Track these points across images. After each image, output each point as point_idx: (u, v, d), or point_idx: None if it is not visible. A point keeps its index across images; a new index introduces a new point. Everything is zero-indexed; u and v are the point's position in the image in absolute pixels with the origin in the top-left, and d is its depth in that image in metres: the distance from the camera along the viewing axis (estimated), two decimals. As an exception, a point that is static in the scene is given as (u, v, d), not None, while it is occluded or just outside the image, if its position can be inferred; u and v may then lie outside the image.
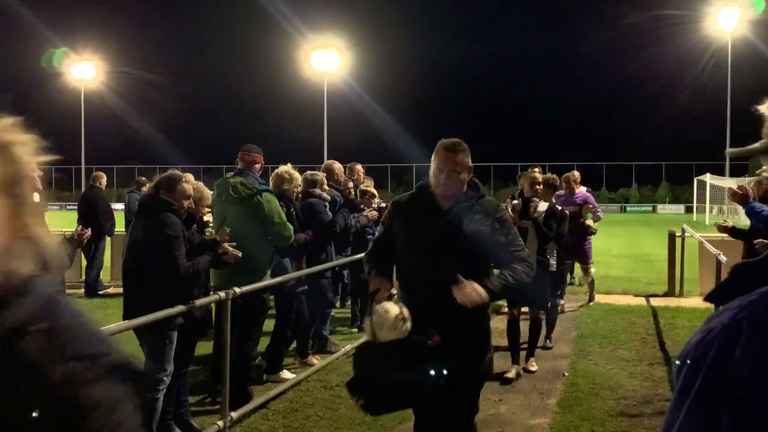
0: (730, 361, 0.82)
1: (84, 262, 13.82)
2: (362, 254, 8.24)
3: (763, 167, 1.09)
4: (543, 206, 7.05)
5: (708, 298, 0.96)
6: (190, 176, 5.80)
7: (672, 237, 12.44)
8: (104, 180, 13.11)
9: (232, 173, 6.50)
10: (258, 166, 6.48)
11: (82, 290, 12.57)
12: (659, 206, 63.64)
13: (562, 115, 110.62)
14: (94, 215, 11.97)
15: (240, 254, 5.48)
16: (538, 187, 7.22)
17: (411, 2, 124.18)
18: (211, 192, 6.13)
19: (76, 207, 14.73)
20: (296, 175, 7.03)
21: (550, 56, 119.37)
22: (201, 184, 5.77)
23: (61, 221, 34.73)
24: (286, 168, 7.00)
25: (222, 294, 5.41)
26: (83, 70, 67.30)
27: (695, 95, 73.62)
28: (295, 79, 70.34)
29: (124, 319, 4.88)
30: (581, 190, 10.53)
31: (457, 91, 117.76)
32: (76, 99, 67.63)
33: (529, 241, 6.51)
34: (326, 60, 60.41)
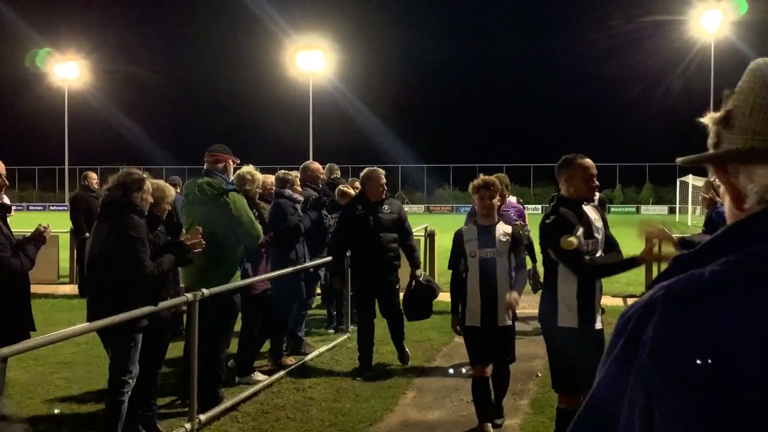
0: (644, 331, 0.92)
1: (60, 262, 13.74)
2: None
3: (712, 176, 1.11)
4: (505, 229, 5.37)
5: (650, 288, 1.00)
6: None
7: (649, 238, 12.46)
8: (94, 179, 12.40)
9: (201, 174, 6.43)
10: (221, 165, 6.33)
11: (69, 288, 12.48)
12: (643, 207, 63.99)
13: (546, 116, 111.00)
14: (90, 216, 11.65)
15: (203, 243, 5.42)
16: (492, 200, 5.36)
17: (396, 2, 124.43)
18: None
19: (59, 208, 14.58)
20: (258, 175, 6.96)
21: (535, 58, 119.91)
22: (161, 182, 5.68)
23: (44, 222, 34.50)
24: (248, 168, 6.93)
25: (189, 296, 5.36)
26: (67, 70, 66.95)
27: (679, 97, 74.11)
28: (280, 80, 70.30)
29: (88, 321, 4.83)
30: (511, 200, 8.02)
31: (442, 91, 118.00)
32: (60, 99, 67.24)
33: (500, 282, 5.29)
34: (311, 60, 60.40)
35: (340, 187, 8.96)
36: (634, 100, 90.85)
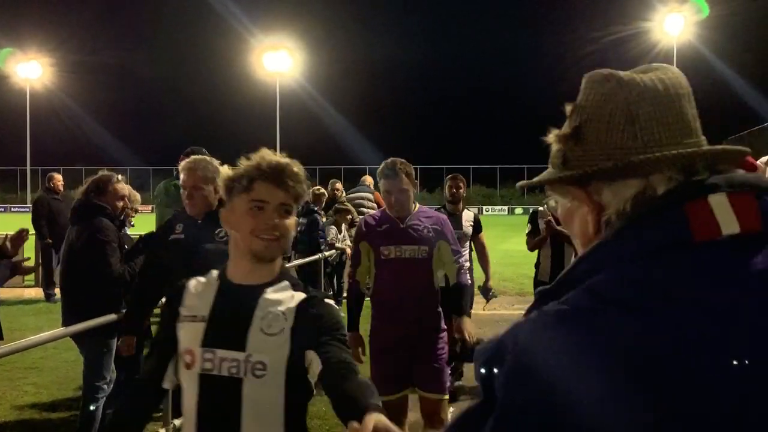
0: (493, 375, 0.92)
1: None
2: (314, 256, 8.25)
3: (548, 197, 1.11)
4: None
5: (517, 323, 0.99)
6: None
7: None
8: (59, 181, 11.52)
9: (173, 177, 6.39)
10: None
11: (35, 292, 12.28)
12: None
13: (513, 118, 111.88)
14: (52, 220, 11.03)
15: None
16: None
17: (363, 3, 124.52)
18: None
19: (21, 209, 14.21)
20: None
21: (500, 60, 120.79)
22: (126, 185, 5.60)
23: (5, 225, 33.86)
24: (222, 169, 6.87)
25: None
26: (29, 70, 65.93)
27: (642, 99, 75.31)
28: (247, 80, 70.00)
29: (63, 325, 4.76)
30: (425, 209, 4.58)
31: (409, 92, 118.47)
32: (22, 98, 66.18)
33: None
34: (278, 61, 60.21)
35: (314, 189, 8.89)
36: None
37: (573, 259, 5.60)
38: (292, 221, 2.20)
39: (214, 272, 2.28)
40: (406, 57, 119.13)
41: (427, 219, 4.42)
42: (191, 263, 3.60)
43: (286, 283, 2.20)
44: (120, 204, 5.07)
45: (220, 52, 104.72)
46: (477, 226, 6.73)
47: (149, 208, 18.38)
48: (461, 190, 6.71)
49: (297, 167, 2.22)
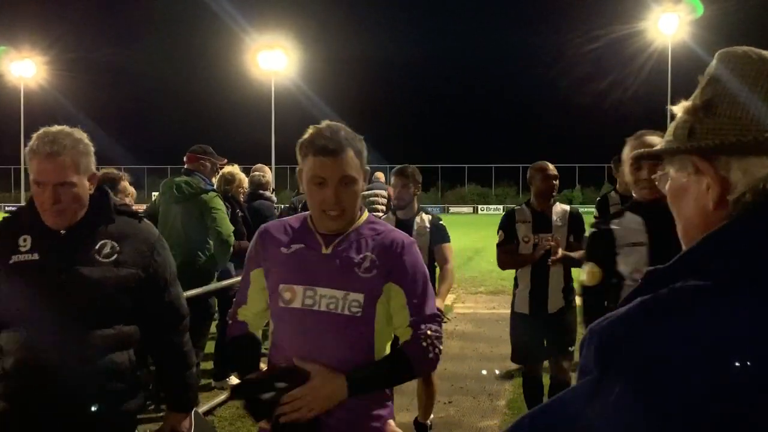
0: (622, 344, 0.89)
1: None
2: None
3: (661, 171, 1.09)
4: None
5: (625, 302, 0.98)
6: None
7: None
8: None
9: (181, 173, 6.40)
10: (200, 165, 6.29)
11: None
12: (602, 206, 65.00)
13: (507, 117, 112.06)
14: None
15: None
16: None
17: (358, 1, 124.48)
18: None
19: (14, 208, 14.17)
20: (240, 176, 6.91)
21: (495, 59, 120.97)
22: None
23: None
24: (229, 169, 6.89)
25: None
26: (23, 68, 65.74)
27: (637, 98, 75.41)
28: (242, 79, 69.83)
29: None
30: (377, 221, 2.48)
31: (405, 92, 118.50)
32: (16, 97, 65.98)
33: None
34: (273, 60, 60.10)
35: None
36: (594, 101, 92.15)
37: (561, 285, 5.06)
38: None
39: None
40: (401, 56, 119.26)
41: (375, 242, 2.31)
42: (40, 299, 2.48)
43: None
44: (127, 202, 5.06)
45: (214, 50, 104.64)
46: (437, 233, 5.13)
47: (143, 207, 18.32)
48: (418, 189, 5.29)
49: None
